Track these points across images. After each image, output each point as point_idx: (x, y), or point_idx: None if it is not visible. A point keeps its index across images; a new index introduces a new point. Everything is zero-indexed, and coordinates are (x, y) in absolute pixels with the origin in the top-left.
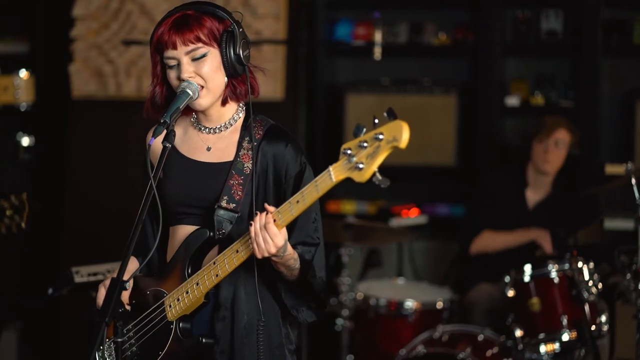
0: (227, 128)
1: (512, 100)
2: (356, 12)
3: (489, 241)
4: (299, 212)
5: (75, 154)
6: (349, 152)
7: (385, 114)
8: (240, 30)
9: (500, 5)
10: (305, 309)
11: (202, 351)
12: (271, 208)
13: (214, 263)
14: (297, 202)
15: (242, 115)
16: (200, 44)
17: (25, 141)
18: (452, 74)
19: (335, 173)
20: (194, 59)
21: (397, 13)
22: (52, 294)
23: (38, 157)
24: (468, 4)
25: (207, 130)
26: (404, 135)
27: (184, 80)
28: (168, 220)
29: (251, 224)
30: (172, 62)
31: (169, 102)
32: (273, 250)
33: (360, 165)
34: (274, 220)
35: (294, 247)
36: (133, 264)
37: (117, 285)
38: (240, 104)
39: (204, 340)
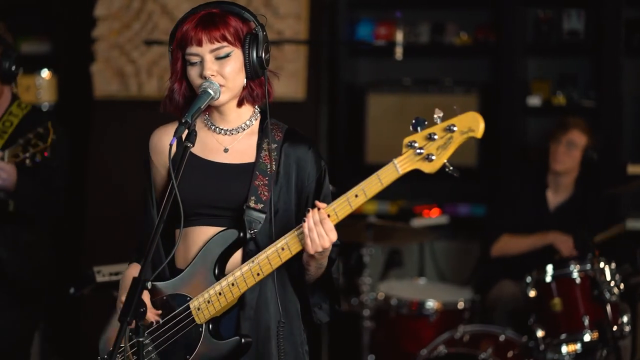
0: (243, 130)
1: (534, 100)
2: (377, 12)
3: (508, 245)
4: (357, 205)
5: (97, 154)
6: (415, 144)
7: (455, 108)
8: (264, 33)
9: (521, 5)
10: (320, 309)
11: (241, 352)
12: (322, 205)
13: (253, 261)
14: (356, 196)
15: (258, 118)
16: (225, 43)
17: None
18: (473, 74)
19: (401, 165)
20: (218, 58)
21: (418, 13)
22: (74, 293)
23: None
24: (489, 4)
25: (222, 131)
26: (481, 125)
27: (205, 79)
28: (177, 223)
29: (304, 220)
30: (195, 59)
31: (186, 99)
32: (327, 244)
33: (432, 157)
34: (328, 216)
35: None
36: (136, 269)
37: (138, 284)
38: (256, 108)
39: (243, 340)
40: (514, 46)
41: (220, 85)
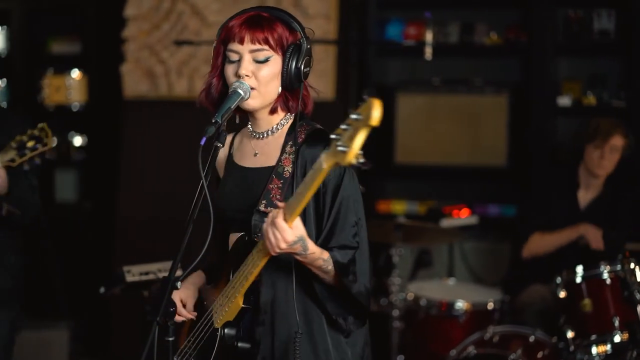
0: (273, 133)
1: (564, 101)
2: (407, 12)
3: (539, 243)
4: (303, 204)
5: (127, 153)
6: (335, 137)
7: (363, 96)
8: (308, 47)
9: (552, 5)
10: (345, 320)
11: (240, 356)
12: (281, 204)
13: (245, 264)
14: (299, 193)
15: (289, 121)
16: (266, 47)
17: (78, 141)
18: (503, 74)
19: (326, 160)
20: (256, 60)
21: (448, 13)
22: (104, 293)
23: (90, 157)
24: (519, 4)
25: (256, 135)
26: (374, 113)
27: (238, 78)
28: (224, 229)
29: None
30: (234, 57)
31: (222, 95)
32: (283, 245)
33: (344, 149)
34: (284, 215)
35: (329, 250)
36: (199, 277)
37: (168, 284)
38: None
39: (238, 344)
40: (544, 46)
41: (252, 88)
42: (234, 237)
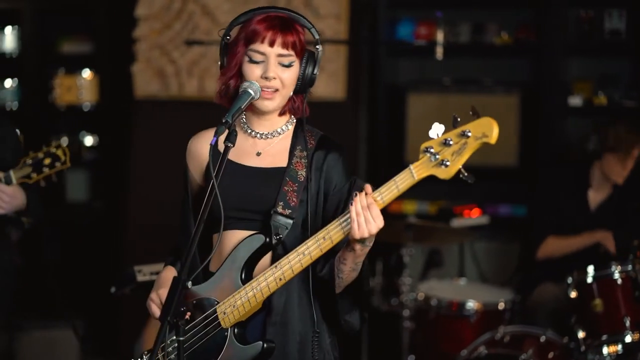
0: (279, 135)
1: (575, 100)
2: (418, 11)
3: (554, 247)
4: (388, 201)
5: (138, 153)
6: (431, 150)
7: (470, 113)
8: (321, 55)
9: (563, 5)
10: (351, 318)
11: (264, 356)
12: (370, 189)
13: (276, 267)
14: (389, 189)
15: (294, 123)
16: (292, 52)
17: (89, 141)
18: (514, 74)
19: (417, 171)
20: (282, 64)
21: (459, 13)
22: (115, 292)
23: (101, 157)
24: (530, 4)
25: (258, 135)
26: (495, 131)
27: (266, 80)
28: (213, 226)
29: (351, 204)
30: (259, 58)
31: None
32: (374, 230)
33: (447, 163)
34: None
35: None
36: (171, 272)
37: (178, 284)
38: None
39: (265, 345)
40: (555, 46)
41: (275, 90)
42: (230, 235)
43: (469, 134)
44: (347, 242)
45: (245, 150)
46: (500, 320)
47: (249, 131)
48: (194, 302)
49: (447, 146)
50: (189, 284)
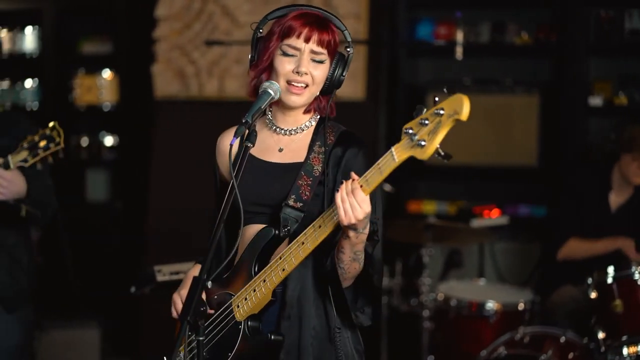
0: (302, 131)
1: (596, 101)
2: (438, 11)
3: (575, 249)
4: (373, 187)
5: (158, 153)
6: (410, 131)
7: (445, 90)
8: (351, 58)
9: (583, 5)
10: (363, 313)
11: (271, 349)
12: (355, 176)
13: (280, 258)
14: (361, 186)
15: (316, 120)
16: (326, 50)
17: (109, 141)
18: (534, 74)
19: (397, 153)
20: (314, 60)
21: (478, 13)
22: (135, 292)
23: (121, 157)
24: (551, 4)
25: (281, 131)
26: (465, 108)
27: (298, 74)
28: (238, 222)
29: (337, 191)
30: (293, 52)
31: None
32: (360, 216)
33: (422, 143)
34: (361, 186)
35: None
36: (197, 269)
37: (198, 284)
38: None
39: (272, 337)
40: (575, 46)
41: (306, 86)
42: (250, 229)
43: (442, 112)
44: (342, 230)
45: (269, 147)
46: (520, 321)
47: (274, 127)
48: (216, 297)
49: (424, 126)
50: (209, 283)
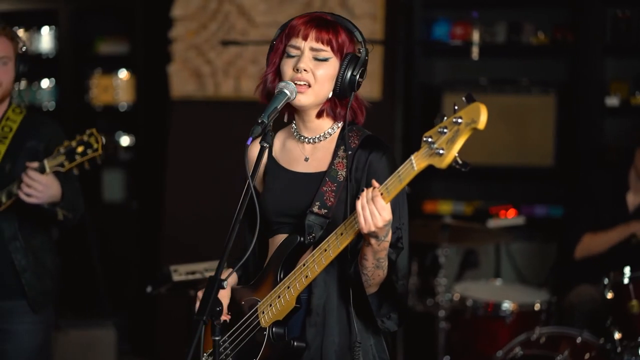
0: (325, 138)
1: (612, 101)
2: (454, 11)
3: (591, 244)
4: (392, 195)
5: (174, 153)
6: (429, 139)
7: (463, 99)
8: (366, 59)
9: (599, 5)
10: (389, 319)
11: (293, 355)
12: (376, 184)
13: (304, 265)
14: (382, 194)
15: (340, 126)
16: (328, 48)
17: (125, 141)
18: (550, 74)
19: (417, 161)
20: (316, 59)
21: (495, 13)
22: (151, 292)
23: (137, 157)
24: (567, 3)
25: (306, 140)
26: (482, 117)
27: (296, 72)
28: (268, 231)
29: (358, 198)
30: (295, 52)
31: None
32: (380, 223)
33: (441, 151)
34: (381, 194)
35: None
36: (232, 278)
37: (214, 283)
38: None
39: (295, 343)
40: (591, 46)
41: (308, 85)
42: (277, 239)
43: (460, 121)
44: (364, 238)
45: (296, 157)
46: (536, 321)
47: (298, 136)
48: (243, 302)
49: (442, 134)
50: (225, 283)
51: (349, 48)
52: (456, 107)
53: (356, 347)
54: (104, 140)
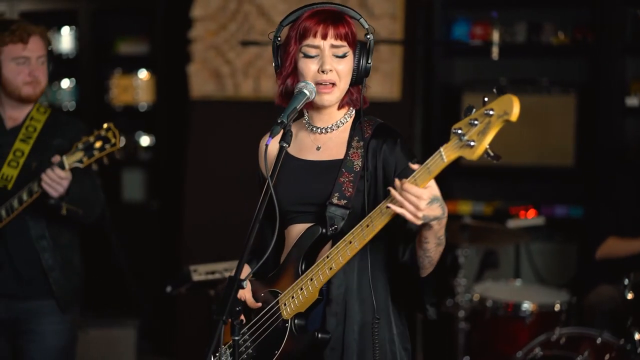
0: (338, 127)
1: (632, 101)
2: (474, 11)
3: (614, 248)
4: (425, 183)
5: (194, 153)
6: (459, 131)
7: (494, 91)
8: (373, 44)
9: (620, 4)
10: (432, 306)
11: (318, 347)
12: (415, 166)
13: (327, 257)
14: (420, 175)
15: (352, 115)
16: (345, 43)
17: (145, 141)
18: (570, 74)
19: (446, 153)
20: (336, 56)
21: (515, 12)
22: (171, 292)
23: (157, 157)
24: (587, 3)
25: (318, 130)
26: (515, 109)
27: (323, 74)
28: (282, 222)
29: (390, 189)
30: (313, 52)
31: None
32: (423, 204)
33: (472, 143)
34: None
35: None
36: (245, 270)
37: (234, 283)
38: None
39: (319, 335)
40: (612, 46)
41: (332, 84)
42: (293, 230)
43: (492, 113)
44: (423, 224)
45: (307, 145)
46: (556, 322)
47: (310, 127)
48: (262, 294)
49: (473, 126)
50: (245, 283)
51: (357, 36)
52: (486, 99)
53: (375, 322)
54: (123, 140)
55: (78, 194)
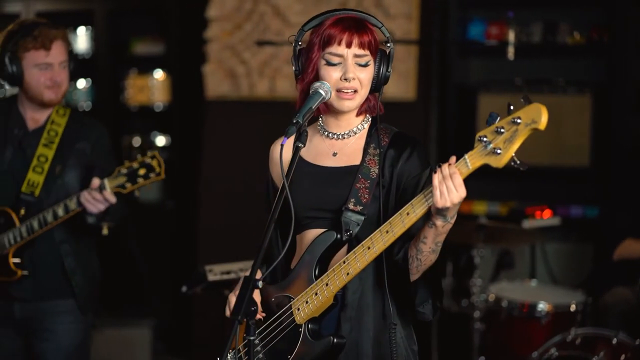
0: (355, 134)
1: None
2: (489, 11)
3: (631, 250)
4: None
5: (209, 153)
6: (484, 139)
7: (521, 100)
8: (393, 53)
9: (635, 4)
10: (424, 309)
11: (333, 352)
12: (453, 159)
13: (344, 262)
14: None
15: (368, 122)
16: (368, 52)
17: (160, 141)
18: (586, 74)
19: (471, 160)
20: (359, 64)
21: (530, 12)
22: (186, 291)
23: (173, 157)
24: (603, 4)
25: (334, 136)
26: (543, 117)
27: (346, 82)
28: (295, 228)
29: (436, 171)
30: (336, 60)
31: None
32: (456, 199)
33: (498, 151)
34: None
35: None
36: (259, 274)
37: (249, 283)
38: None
39: (335, 340)
40: (627, 46)
41: (354, 91)
42: (307, 235)
43: (519, 121)
44: (428, 218)
45: (322, 152)
46: (571, 322)
47: (326, 133)
48: (273, 299)
49: (499, 134)
50: (260, 283)
51: (378, 43)
52: (512, 107)
53: (392, 327)
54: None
55: (119, 213)
